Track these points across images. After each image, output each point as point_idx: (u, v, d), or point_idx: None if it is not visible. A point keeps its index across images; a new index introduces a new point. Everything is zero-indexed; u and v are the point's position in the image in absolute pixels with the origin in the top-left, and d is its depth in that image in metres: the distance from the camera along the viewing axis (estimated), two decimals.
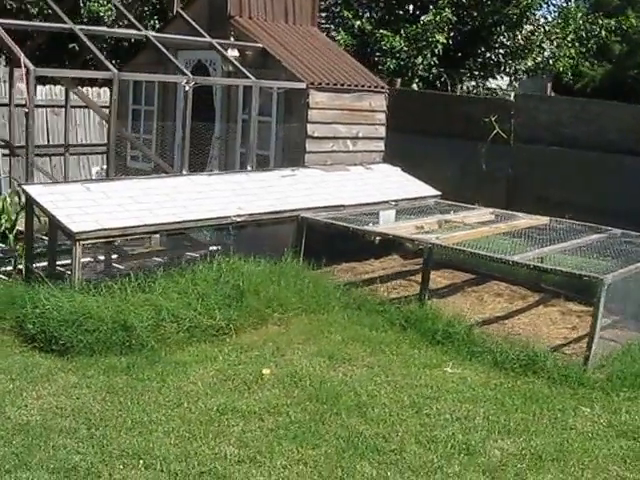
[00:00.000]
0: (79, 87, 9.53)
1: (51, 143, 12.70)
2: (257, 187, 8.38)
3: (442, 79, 16.06)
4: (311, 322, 7.15)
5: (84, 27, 8.33)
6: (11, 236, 7.72)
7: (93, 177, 8.96)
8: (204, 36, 9.03)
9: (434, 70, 15.62)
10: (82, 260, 7.56)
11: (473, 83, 17.25)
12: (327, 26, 16.90)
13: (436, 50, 15.13)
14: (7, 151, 9.88)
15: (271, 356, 6.33)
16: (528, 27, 16.67)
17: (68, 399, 5.34)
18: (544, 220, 8.72)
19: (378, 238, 8.99)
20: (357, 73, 10.06)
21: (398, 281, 8.59)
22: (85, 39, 7.63)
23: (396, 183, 9.75)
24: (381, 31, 15.14)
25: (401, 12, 16.41)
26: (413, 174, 10.02)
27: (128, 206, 7.14)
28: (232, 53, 9.53)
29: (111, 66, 7.54)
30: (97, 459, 4.54)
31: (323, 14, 17.24)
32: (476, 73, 17.33)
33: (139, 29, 8.51)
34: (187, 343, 6.44)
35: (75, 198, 6.98)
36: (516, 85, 18.22)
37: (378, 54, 15.42)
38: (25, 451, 4.58)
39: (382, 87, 10.12)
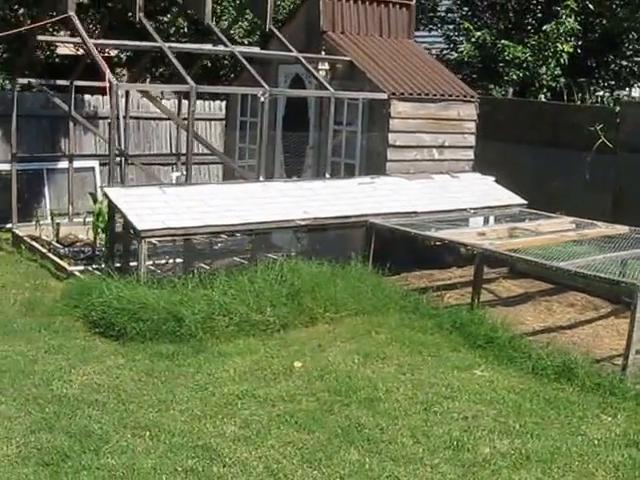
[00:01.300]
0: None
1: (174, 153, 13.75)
2: (330, 193, 8.74)
3: (569, 89, 15.67)
4: (363, 323, 7.38)
5: (172, 45, 9.11)
6: (104, 236, 8.53)
7: (173, 182, 9.60)
8: (291, 51, 9.53)
9: (561, 80, 15.28)
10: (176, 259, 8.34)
11: (603, 93, 16.67)
12: (454, 38, 17.03)
13: (561, 60, 14.83)
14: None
15: (310, 351, 6.65)
16: None
17: (109, 377, 5.95)
18: (623, 230, 8.44)
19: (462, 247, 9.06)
20: (446, 83, 10.18)
21: (469, 288, 8.61)
22: (171, 56, 8.35)
23: (480, 191, 9.75)
24: (503, 41, 15.04)
25: (525, 22, 16.21)
26: (516, 183, 9.94)
27: (197, 208, 7.73)
28: (322, 67, 9.97)
29: (189, 79, 8.19)
30: (111, 428, 5.09)
31: (450, 26, 17.39)
32: (609, 83, 16.78)
33: (226, 45, 9.14)
34: (235, 336, 6.88)
35: (149, 200, 7.66)
36: None
37: (502, 65, 15.33)
38: (54, 417, 5.21)
39: (472, 96, 10.16)
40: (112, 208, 7.71)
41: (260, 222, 7.83)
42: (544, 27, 14.91)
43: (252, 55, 9.64)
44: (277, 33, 9.72)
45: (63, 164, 11.86)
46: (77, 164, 11.74)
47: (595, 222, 8.87)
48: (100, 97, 12.97)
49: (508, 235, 8.35)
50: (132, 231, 7.27)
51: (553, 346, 6.73)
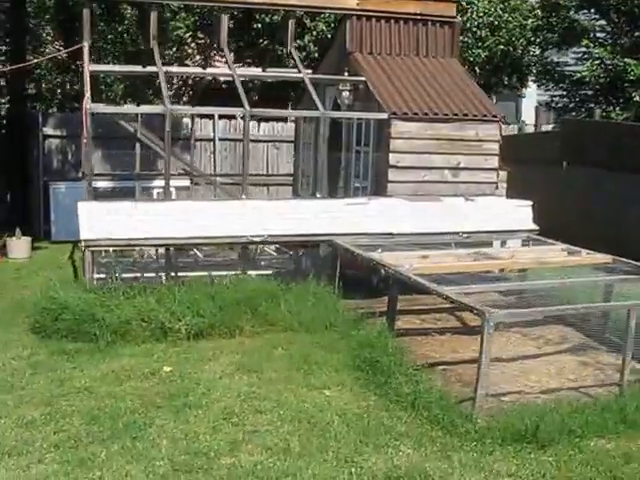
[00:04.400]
0: None
1: (270, 173, 14.51)
2: (309, 212, 8.83)
3: None
4: (279, 339, 7.45)
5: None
6: None
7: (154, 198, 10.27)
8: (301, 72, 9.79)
9: None
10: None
11: None
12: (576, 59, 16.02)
13: None
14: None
15: (193, 360, 6.89)
16: None
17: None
18: (602, 260, 7.59)
19: None
20: (469, 102, 9.76)
21: (422, 316, 8.26)
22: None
23: (490, 215, 9.24)
24: (626, 60, 13.85)
25: None
26: (589, 211, 9.23)
27: (155, 223, 8.28)
28: (344, 87, 10.09)
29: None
30: None
31: (574, 48, 16.32)
32: None
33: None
34: (146, 341, 7.34)
35: (116, 214, 8.36)
36: None
37: (627, 84, 14.12)
38: None
39: (494, 116, 9.64)
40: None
41: (209, 237, 8.20)
42: None
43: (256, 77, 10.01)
44: (295, 55, 10.02)
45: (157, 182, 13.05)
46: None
47: (583, 250, 8.03)
48: (199, 120, 14.15)
49: (472, 260, 7.88)
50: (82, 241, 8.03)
51: (443, 379, 6.38)
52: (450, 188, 9.59)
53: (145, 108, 11.01)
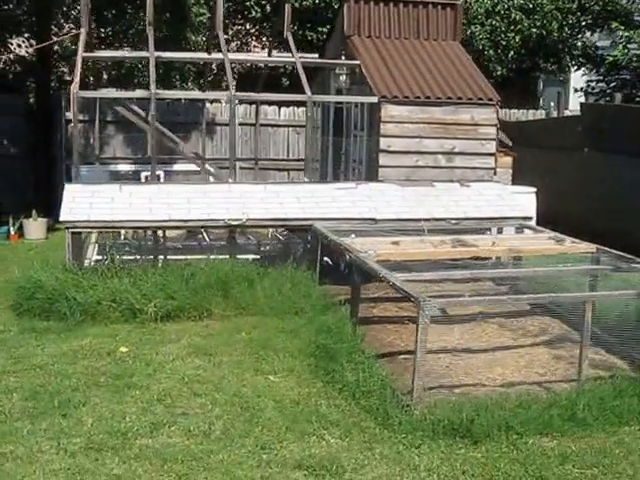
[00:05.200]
0: None
1: (290, 157, 14.47)
2: (293, 197, 8.76)
3: None
4: (246, 323, 7.44)
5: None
6: None
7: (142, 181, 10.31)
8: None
9: None
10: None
11: None
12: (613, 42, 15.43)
13: None
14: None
15: (154, 341, 6.94)
16: None
17: None
18: (585, 249, 7.31)
19: None
20: (466, 86, 9.51)
21: (401, 304, 8.07)
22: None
23: (483, 202, 8.99)
24: None
25: None
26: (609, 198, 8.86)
27: (138, 205, 8.35)
28: (341, 71, 9.96)
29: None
30: None
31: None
32: None
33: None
34: (115, 321, 7.42)
35: (100, 196, 8.46)
36: None
37: None
38: None
39: (490, 99, 9.36)
40: None
41: (186, 220, 8.21)
42: None
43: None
44: (290, 40, 9.92)
45: (177, 166, 13.20)
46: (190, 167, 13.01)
47: (567, 238, 7.74)
48: (218, 105, 14.23)
49: (451, 246, 7.69)
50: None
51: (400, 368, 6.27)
52: (445, 173, 9.38)
53: (130, 93, 11.09)
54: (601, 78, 15.84)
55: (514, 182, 10.53)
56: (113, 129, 14.11)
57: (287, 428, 5.24)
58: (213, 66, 18.52)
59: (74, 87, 8.56)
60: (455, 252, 7.16)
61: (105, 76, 16.45)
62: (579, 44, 17.32)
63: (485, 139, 9.40)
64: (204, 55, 10.51)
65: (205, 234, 10.83)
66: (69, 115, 13.99)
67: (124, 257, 9.09)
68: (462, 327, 7.55)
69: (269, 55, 11.36)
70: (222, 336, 7.07)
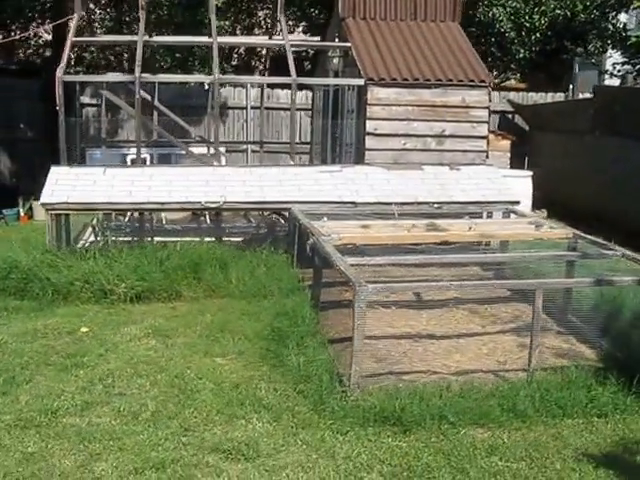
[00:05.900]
0: None
1: (303, 141, 14.38)
2: (275, 180, 8.71)
3: None
4: (213, 304, 7.49)
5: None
6: None
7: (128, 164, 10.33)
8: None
9: None
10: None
11: None
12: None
13: None
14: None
15: (117, 322, 6.99)
16: None
17: None
18: (560, 234, 7.10)
19: None
20: (458, 68, 9.30)
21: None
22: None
23: (472, 185, 8.81)
24: None
25: None
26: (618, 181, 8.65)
27: (119, 188, 8.41)
28: (334, 54, 9.86)
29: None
30: None
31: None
32: None
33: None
34: (86, 302, 7.52)
35: (83, 179, 8.55)
36: None
37: None
38: None
39: (482, 81, 9.13)
40: None
41: (163, 202, 8.23)
42: None
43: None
44: (283, 23, 9.83)
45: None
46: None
47: (545, 223, 7.52)
48: (232, 89, 14.24)
49: (425, 230, 7.55)
50: None
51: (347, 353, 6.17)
52: (434, 157, 9.21)
53: (113, 76, 11.17)
54: (627, 60, 15.31)
55: (528, 166, 10.30)
56: (126, 113, 14.22)
57: (218, 411, 5.22)
58: (241, 50, 18.63)
59: (59, 71, 8.62)
60: (422, 237, 7.02)
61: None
62: (610, 26, 16.75)
63: (476, 121, 9.19)
64: (195, 38, 10.51)
65: (208, 217, 10.87)
66: (84, 99, 14.29)
67: (120, 239, 9.22)
68: (432, 313, 7.44)
69: (270, 38, 11.28)
70: (185, 318, 7.09)
